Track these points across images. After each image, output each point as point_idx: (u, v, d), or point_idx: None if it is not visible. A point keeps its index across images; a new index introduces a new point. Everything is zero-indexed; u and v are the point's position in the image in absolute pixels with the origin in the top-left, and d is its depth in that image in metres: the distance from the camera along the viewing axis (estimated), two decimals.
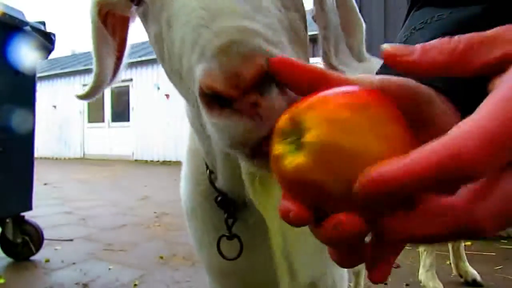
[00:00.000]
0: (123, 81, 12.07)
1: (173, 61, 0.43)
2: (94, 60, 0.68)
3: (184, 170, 0.79)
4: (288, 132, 0.29)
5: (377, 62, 0.68)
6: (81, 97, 0.71)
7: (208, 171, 0.69)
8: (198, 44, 0.35)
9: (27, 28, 2.33)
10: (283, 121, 0.29)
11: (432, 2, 0.43)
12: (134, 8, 0.51)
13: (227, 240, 0.67)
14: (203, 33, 0.35)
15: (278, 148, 0.29)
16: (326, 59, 0.61)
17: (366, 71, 0.62)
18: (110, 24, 0.67)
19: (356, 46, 0.66)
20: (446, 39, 0.27)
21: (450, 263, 2.20)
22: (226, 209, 0.68)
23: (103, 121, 12.72)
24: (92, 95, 0.71)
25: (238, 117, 0.32)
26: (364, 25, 0.67)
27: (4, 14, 2.17)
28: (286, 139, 0.28)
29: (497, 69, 0.25)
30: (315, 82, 0.30)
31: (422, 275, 2.01)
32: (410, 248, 2.58)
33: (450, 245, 2.17)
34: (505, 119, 0.21)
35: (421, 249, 2.05)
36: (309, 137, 0.26)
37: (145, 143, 11.51)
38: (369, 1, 6.68)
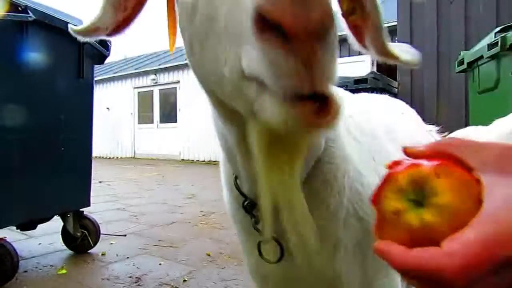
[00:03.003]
0: (170, 83, 12.53)
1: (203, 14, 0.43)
2: (101, 3, 0.65)
3: (221, 175, 0.79)
4: (407, 191, 0.35)
5: (399, 45, 0.67)
6: (76, 32, 0.68)
7: (234, 176, 0.69)
8: None
9: None
10: (402, 179, 0.35)
11: None
12: None
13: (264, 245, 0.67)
14: None
15: (396, 203, 0.35)
16: (382, 48, 0.60)
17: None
18: None
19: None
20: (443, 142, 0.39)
21: None
22: (253, 214, 0.67)
23: (152, 122, 13.26)
24: (85, 34, 0.67)
25: (294, 57, 0.32)
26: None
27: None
28: (405, 197, 0.35)
29: None
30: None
31: None
32: None
33: None
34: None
35: None
36: (440, 200, 0.34)
37: (191, 143, 11.84)
38: None
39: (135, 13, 0.66)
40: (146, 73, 13.04)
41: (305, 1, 0.30)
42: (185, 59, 0.54)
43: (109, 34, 0.68)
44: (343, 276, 0.68)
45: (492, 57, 3.02)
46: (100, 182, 6.36)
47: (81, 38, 0.69)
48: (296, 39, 0.31)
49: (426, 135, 1.27)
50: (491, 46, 2.97)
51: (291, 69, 0.32)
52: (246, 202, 0.67)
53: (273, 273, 0.72)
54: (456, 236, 0.32)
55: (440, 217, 0.33)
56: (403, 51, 0.64)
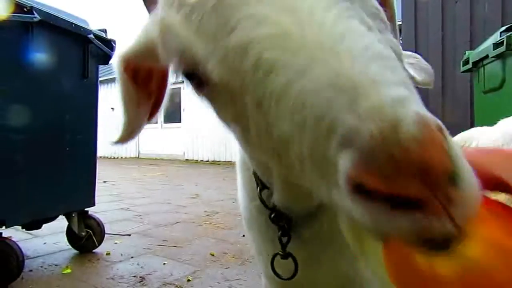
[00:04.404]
0: (175, 83, 12.52)
1: (266, 140, 0.39)
2: (122, 111, 0.67)
3: (239, 180, 0.78)
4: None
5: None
6: (115, 143, 0.72)
7: (258, 188, 0.68)
8: (337, 130, 0.29)
9: (91, 36, 2.49)
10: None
11: None
12: (189, 84, 0.48)
13: (281, 259, 0.67)
14: (344, 118, 0.28)
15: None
16: None
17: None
18: (144, 71, 0.64)
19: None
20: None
21: None
22: (280, 225, 0.67)
23: (156, 122, 13.29)
24: (125, 140, 0.71)
25: (421, 215, 0.27)
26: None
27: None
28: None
29: None
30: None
31: None
32: None
33: None
34: None
35: None
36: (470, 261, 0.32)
37: (195, 143, 11.86)
38: None
39: (162, 93, 0.67)
40: None
41: (403, 156, 0.25)
42: None
43: (148, 121, 0.69)
44: (364, 281, 0.69)
45: (498, 57, 2.99)
46: (104, 182, 6.39)
47: (120, 144, 0.72)
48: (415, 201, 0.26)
49: None
50: (496, 45, 2.95)
51: (400, 228, 0.28)
52: (273, 215, 0.66)
53: (292, 281, 0.71)
54: None
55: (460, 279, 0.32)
56: (418, 69, 0.63)
